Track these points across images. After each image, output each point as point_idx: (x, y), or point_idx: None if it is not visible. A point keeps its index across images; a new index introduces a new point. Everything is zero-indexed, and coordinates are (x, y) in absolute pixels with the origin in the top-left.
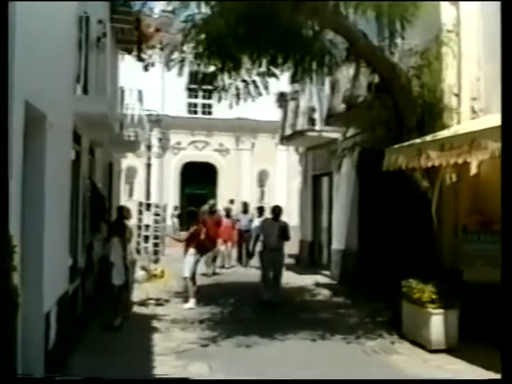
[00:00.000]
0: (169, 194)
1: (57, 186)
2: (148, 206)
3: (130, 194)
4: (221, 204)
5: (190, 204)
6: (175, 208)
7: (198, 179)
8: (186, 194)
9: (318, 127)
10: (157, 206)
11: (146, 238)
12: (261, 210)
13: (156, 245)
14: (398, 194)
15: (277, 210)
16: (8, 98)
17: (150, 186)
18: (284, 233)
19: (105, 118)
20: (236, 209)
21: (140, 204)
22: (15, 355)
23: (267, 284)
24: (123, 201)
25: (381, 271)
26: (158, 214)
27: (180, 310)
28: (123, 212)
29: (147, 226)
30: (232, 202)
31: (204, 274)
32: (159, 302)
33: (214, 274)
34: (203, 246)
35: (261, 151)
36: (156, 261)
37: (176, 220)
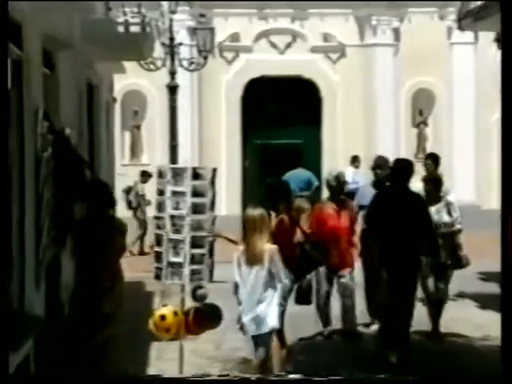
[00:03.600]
0: (217, 149)
1: None
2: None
3: (134, 152)
4: (330, 165)
5: (265, 169)
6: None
7: (280, 114)
8: (253, 147)
9: None
10: (160, 175)
11: (176, 246)
12: (432, 182)
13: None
14: None
15: None
16: None
17: (176, 132)
18: None
19: None
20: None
21: (161, 173)
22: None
23: None
24: (120, 166)
25: None
26: (160, 193)
27: None
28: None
29: (173, 218)
30: (355, 160)
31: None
32: None
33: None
34: (303, 258)
35: (415, 48)
36: (199, 296)
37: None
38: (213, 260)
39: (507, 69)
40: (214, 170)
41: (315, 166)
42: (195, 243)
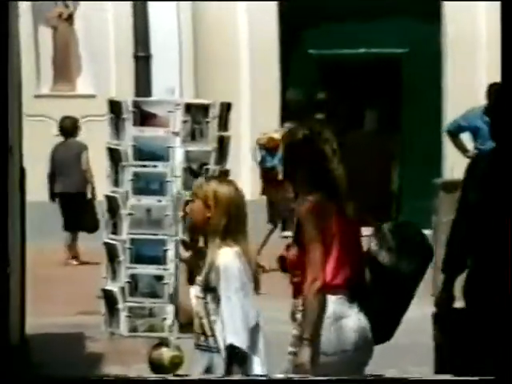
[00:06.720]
0: (233, 68)
1: None
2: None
3: (61, 71)
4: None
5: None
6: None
7: None
8: (305, 62)
9: None
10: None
11: (112, 258)
12: None
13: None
14: None
15: None
16: None
17: (147, 31)
18: None
19: None
20: None
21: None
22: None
23: None
24: (32, 98)
25: None
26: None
27: None
28: None
29: (110, 202)
30: None
31: None
32: None
33: None
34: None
35: None
36: (156, 361)
37: None
38: None
39: (507, 68)
40: (196, 107)
41: (431, 100)
42: (141, 253)
